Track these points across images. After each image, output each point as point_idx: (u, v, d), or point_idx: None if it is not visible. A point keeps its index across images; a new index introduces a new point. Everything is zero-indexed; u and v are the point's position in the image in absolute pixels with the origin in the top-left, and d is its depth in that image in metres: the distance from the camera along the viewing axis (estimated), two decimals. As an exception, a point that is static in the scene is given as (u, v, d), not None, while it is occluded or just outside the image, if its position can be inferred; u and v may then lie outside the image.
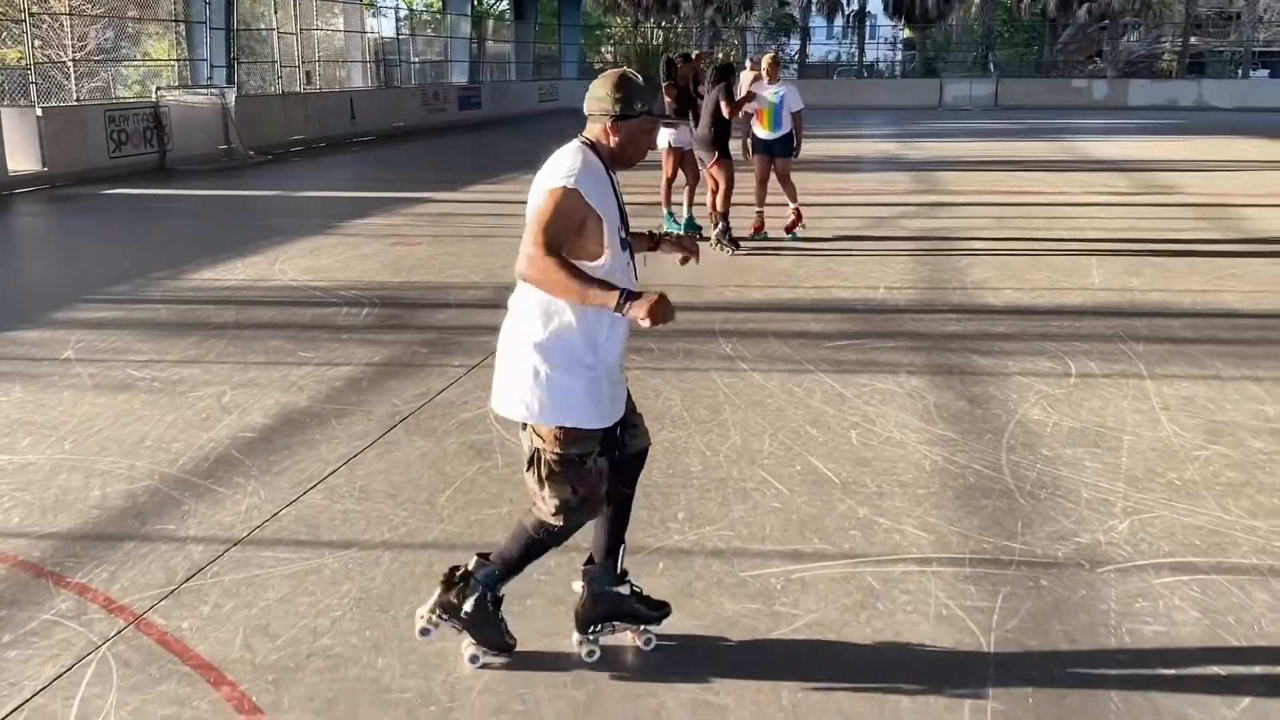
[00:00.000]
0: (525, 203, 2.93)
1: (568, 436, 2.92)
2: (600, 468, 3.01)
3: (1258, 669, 3.19)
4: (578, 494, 2.99)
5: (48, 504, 4.23)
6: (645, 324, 2.74)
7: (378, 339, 6.69)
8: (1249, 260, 9.15)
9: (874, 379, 5.86)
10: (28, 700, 2.96)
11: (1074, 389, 5.72)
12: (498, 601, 3.12)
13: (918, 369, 6.11)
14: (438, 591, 3.13)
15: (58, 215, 12.58)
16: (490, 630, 3.11)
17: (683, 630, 3.33)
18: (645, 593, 3.28)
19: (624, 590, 3.22)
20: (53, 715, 2.91)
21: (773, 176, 9.71)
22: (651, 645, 3.26)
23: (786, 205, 9.89)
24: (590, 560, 3.27)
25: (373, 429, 5.10)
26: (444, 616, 3.11)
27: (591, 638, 3.23)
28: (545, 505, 3.01)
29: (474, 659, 3.14)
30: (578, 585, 3.24)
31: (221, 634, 3.30)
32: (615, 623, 3.25)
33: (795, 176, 9.96)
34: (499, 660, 3.12)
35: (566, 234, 2.80)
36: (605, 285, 2.78)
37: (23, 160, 13.83)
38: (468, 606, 3.07)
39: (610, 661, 3.22)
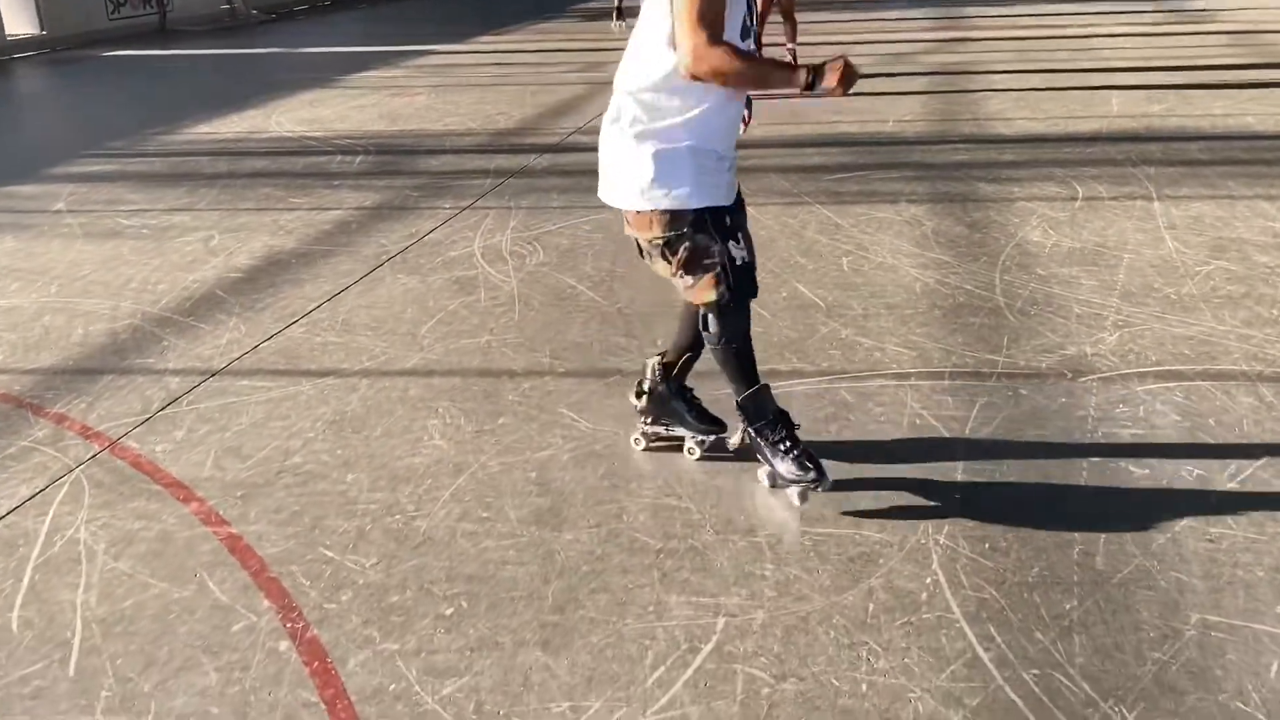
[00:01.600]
0: (528, 51, 2.86)
1: (664, 218, 2.82)
2: (703, 246, 2.87)
3: (1233, 466, 3.17)
4: (730, 272, 2.87)
5: (31, 342, 4.29)
6: (838, 93, 2.70)
7: (370, 184, 6.65)
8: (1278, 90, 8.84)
9: (872, 208, 5.77)
10: (1, 518, 3.04)
11: (1078, 211, 5.61)
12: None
13: (919, 197, 6.00)
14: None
15: (56, 78, 12.49)
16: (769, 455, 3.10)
17: (644, 446, 3.34)
18: (701, 405, 3.35)
19: (673, 396, 3.30)
20: (25, 530, 2.99)
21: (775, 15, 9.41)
22: (695, 455, 3.31)
23: (783, 45, 9.62)
24: (664, 353, 3.33)
25: (359, 268, 5.10)
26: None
27: (643, 431, 3.34)
28: (702, 291, 2.91)
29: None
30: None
31: (193, 456, 3.37)
32: (665, 423, 3.33)
33: (807, 14, 9.64)
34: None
35: (720, 12, 2.60)
36: (784, 64, 2.73)
37: (20, 24, 13.69)
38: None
39: (578, 469, 3.25)
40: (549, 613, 2.65)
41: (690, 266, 2.87)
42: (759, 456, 3.10)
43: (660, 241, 2.86)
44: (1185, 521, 2.94)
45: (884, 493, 3.10)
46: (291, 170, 7.06)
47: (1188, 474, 3.18)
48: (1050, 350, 4.01)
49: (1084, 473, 3.20)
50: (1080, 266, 4.83)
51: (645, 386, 3.32)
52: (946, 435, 3.43)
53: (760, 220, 5.62)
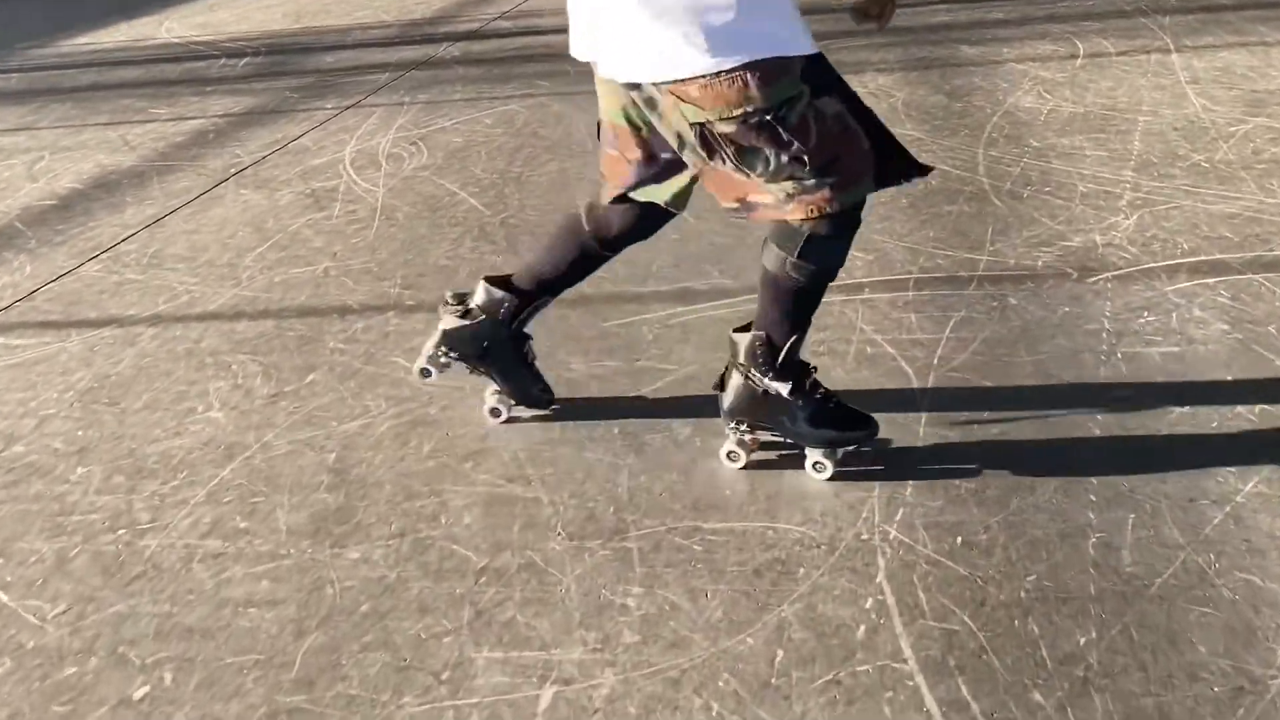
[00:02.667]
0: None
1: (761, 77, 1.78)
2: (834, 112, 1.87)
3: (1309, 396, 2.17)
4: (821, 158, 1.85)
5: None
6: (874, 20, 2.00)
7: (248, 88, 5.58)
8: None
9: (831, 80, 4.67)
10: None
11: (1080, 71, 4.51)
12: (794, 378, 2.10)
13: (889, 65, 4.91)
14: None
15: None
16: (784, 412, 2.12)
17: (743, 463, 2.36)
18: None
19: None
20: None
21: None
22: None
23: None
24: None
25: (199, 185, 4.08)
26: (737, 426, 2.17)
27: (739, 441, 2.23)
28: (774, 202, 1.91)
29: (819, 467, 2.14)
30: None
31: (-127, 451, 2.39)
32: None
33: None
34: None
35: None
36: None
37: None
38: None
39: (396, 445, 2.28)
40: (289, 691, 1.70)
41: (821, 150, 1.83)
42: (778, 433, 2.13)
43: (757, 117, 1.80)
44: (1251, 487, 1.96)
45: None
46: (163, 78, 5.99)
47: (1247, 412, 2.17)
48: (1049, 242, 2.98)
49: (1098, 417, 2.21)
50: (1085, 135, 3.77)
51: (730, 379, 2.17)
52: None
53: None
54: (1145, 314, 2.59)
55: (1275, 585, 1.75)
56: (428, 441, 2.31)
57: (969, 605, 1.76)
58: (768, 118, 1.80)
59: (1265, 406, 2.21)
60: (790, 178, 1.83)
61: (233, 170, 4.22)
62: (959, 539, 1.91)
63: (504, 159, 4.08)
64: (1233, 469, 2.03)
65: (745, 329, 2.07)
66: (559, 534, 1.99)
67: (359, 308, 2.95)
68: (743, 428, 2.11)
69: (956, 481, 2.06)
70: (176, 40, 7.09)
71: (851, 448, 2.10)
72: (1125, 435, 2.15)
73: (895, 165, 1.93)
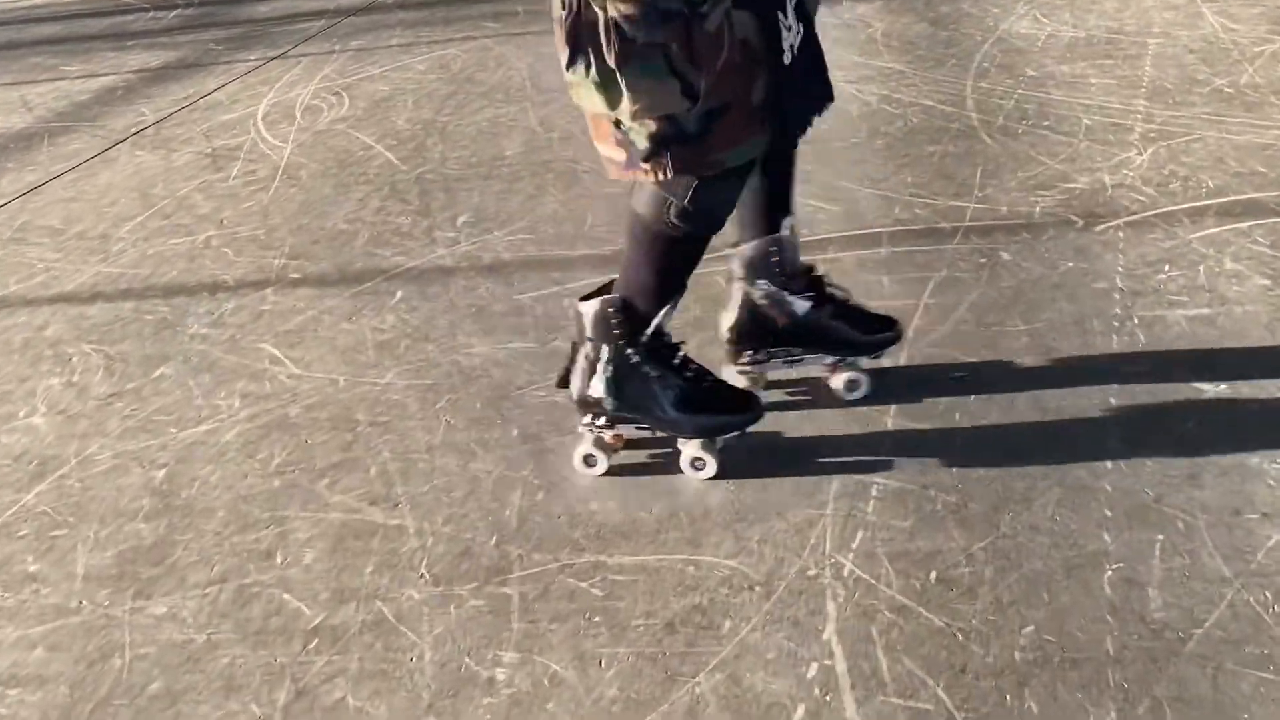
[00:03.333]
0: None
1: None
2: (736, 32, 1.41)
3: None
4: (702, 90, 1.41)
5: None
6: None
7: (170, 41, 5.06)
8: None
9: (803, 11, 4.13)
10: None
11: (1081, -10, 3.96)
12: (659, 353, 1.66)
13: (868, -6, 4.36)
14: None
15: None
16: (650, 397, 1.66)
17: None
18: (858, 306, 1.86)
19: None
20: None
21: None
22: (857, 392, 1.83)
23: None
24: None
25: (92, 147, 3.58)
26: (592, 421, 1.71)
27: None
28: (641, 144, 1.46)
29: (697, 464, 1.70)
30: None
31: None
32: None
33: None
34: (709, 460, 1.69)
35: None
36: None
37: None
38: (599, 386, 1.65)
39: (241, 459, 1.80)
40: (26, 816, 1.23)
41: (717, 88, 1.40)
42: (644, 424, 1.69)
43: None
44: (1316, 498, 1.47)
45: (755, 465, 1.63)
46: (82, 33, 5.46)
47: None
48: (1048, 185, 2.48)
49: (1111, 401, 1.72)
50: (1088, 61, 3.25)
51: (733, 318, 1.84)
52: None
53: (649, 38, 4.02)
54: (1166, 268, 2.10)
55: (1357, 636, 1.27)
56: (280, 451, 1.83)
57: (945, 672, 1.29)
58: (684, 7, 1.31)
59: (1322, 385, 1.72)
60: (667, 116, 1.34)
61: (133, 130, 3.72)
62: (933, 574, 1.44)
63: (432, 107, 3.57)
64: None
65: (595, 295, 1.58)
66: (422, 576, 1.52)
67: (234, 284, 2.47)
68: (599, 422, 1.62)
69: (932, 492, 1.58)
70: (109, -6, 6.54)
71: (735, 435, 1.65)
72: (1145, 425, 1.67)
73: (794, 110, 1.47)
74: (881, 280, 2.17)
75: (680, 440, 1.65)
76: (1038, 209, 2.39)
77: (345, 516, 1.66)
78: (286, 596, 1.52)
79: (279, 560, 1.59)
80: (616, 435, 1.67)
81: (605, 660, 1.36)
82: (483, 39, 4.30)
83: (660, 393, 1.59)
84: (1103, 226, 2.29)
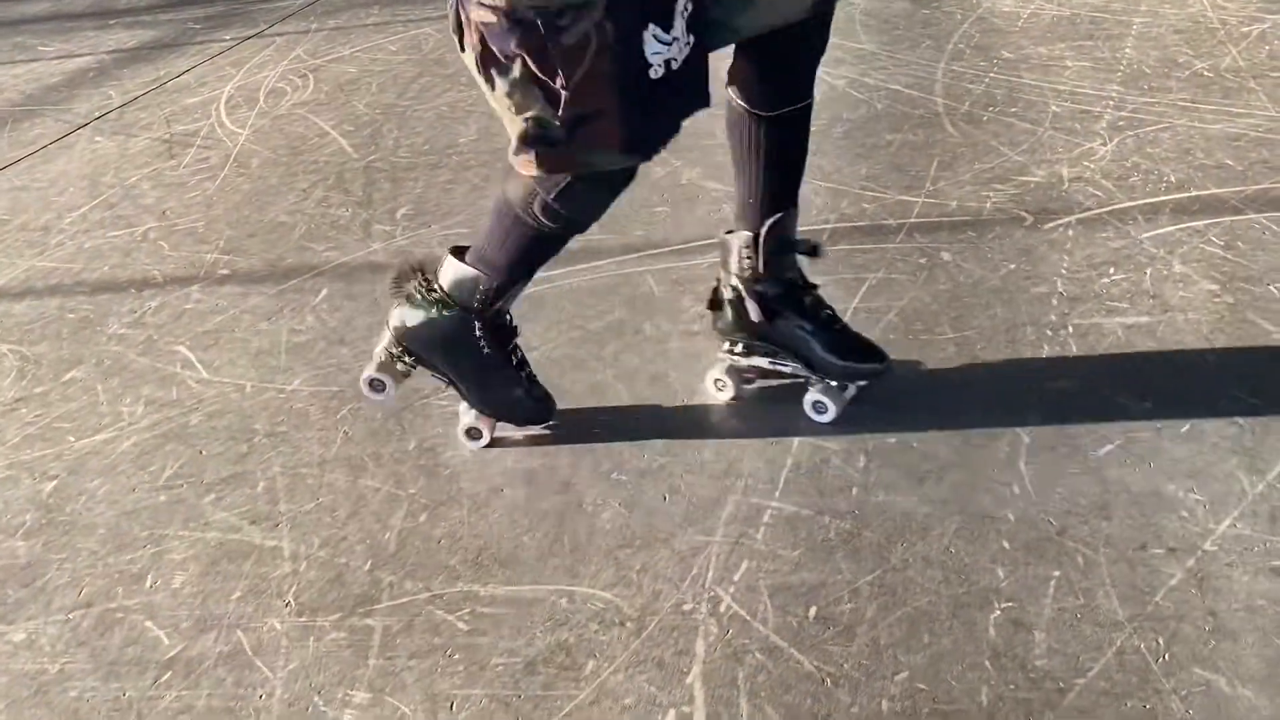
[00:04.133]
0: None
1: None
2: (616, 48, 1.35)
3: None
4: (576, 107, 1.37)
5: None
6: None
7: (151, 20, 5.00)
8: None
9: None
10: None
11: (1071, -34, 3.80)
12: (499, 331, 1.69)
13: (853, -32, 4.21)
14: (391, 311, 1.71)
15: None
16: (498, 383, 1.70)
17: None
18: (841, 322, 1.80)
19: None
20: None
21: None
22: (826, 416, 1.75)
23: None
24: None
25: (52, 132, 3.54)
26: (407, 358, 1.72)
27: (729, 368, 1.84)
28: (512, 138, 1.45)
29: (473, 433, 1.76)
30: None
31: None
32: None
33: None
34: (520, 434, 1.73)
35: None
36: None
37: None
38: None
39: (128, 473, 1.75)
40: None
41: (578, 97, 1.36)
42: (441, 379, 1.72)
43: (526, 13, 1.33)
44: (1226, 526, 1.38)
45: (651, 485, 1.55)
46: (70, 11, 5.41)
47: (1231, 408, 1.59)
48: (1004, 178, 2.37)
49: (1031, 418, 1.62)
50: (1068, 42, 3.12)
51: (722, 293, 1.77)
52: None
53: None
54: (1111, 271, 1.99)
55: (1248, 691, 1.18)
56: (173, 464, 1.77)
57: (806, 723, 1.21)
58: (538, 21, 1.23)
59: (1255, 399, 1.61)
60: (534, 118, 1.27)
61: (96, 114, 3.67)
62: (813, 610, 1.36)
63: (395, 91, 3.49)
64: (1202, 497, 1.45)
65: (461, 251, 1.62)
66: (288, 605, 1.46)
67: (162, 280, 2.41)
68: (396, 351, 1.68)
69: (826, 519, 1.49)
70: (101, -29, 6.49)
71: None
72: (1062, 447, 1.57)
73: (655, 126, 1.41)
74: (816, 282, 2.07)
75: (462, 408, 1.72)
76: (988, 205, 2.28)
77: (223, 536, 1.60)
78: (149, 624, 1.47)
79: (149, 584, 1.54)
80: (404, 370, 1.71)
81: (457, 703, 1.30)
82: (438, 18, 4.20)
83: (484, 373, 1.64)
84: (1052, 224, 2.18)
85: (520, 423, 1.73)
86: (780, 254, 1.65)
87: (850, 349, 1.70)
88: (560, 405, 1.73)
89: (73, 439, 1.88)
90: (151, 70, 4.11)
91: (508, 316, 1.69)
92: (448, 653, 1.37)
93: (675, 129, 1.42)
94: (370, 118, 3.28)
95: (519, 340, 1.72)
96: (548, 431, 1.72)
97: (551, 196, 1.43)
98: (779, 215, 1.63)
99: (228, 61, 4.06)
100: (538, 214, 1.46)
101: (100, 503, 1.71)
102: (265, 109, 3.47)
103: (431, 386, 1.90)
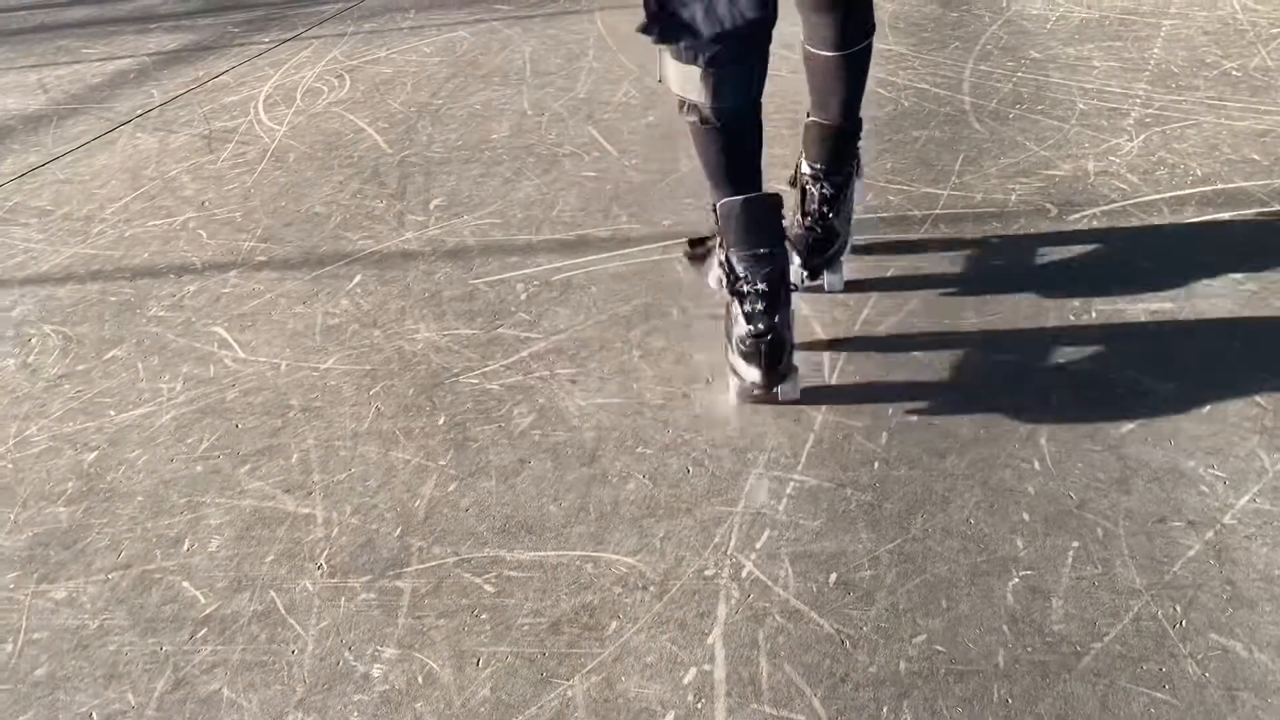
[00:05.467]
0: None
1: None
2: None
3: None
4: None
5: None
6: None
7: (191, 24, 5.10)
8: None
9: (814, -8, 4.03)
10: None
11: (1101, -30, 3.82)
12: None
13: (884, -26, 4.24)
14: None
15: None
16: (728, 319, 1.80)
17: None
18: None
19: None
20: None
21: None
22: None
23: None
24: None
25: (94, 129, 3.61)
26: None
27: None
28: None
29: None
30: None
31: None
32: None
33: None
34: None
35: None
36: None
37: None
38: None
39: (166, 445, 1.80)
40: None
41: None
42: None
43: None
44: (1245, 502, 1.40)
45: (675, 459, 1.58)
46: (111, 17, 5.52)
47: (1253, 391, 1.60)
48: (1029, 171, 2.39)
49: (1051, 401, 1.65)
50: (1096, 43, 3.13)
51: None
52: (819, 333, 1.88)
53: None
54: (1136, 259, 2.01)
55: (1264, 657, 1.19)
56: (210, 436, 1.82)
57: (824, 681, 1.23)
58: None
59: (1276, 385, 1.62)
60: None
61: (138, 112, 3.75)
62: (833, 576, 1.38)
63: (429, 90, 3.55)
64: (1222, 473, 1.47)
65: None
66: (320, 568, 1.50)
67: (201, 266, 2.47)
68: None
69: (848, 492, 1.51)
70: (142, -23, 6.63)
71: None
72: (1084, 425, 1.59)
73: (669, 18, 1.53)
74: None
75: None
76: (1013, 196, 2.30)
77: (258, 504, 1.64)
78: (185, 584, 1.51)
79: (184, 548, 1.58)
80: None
81: (484, 659, 1.33)
82: (492, 21, 4.27)
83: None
84: (1077, 214, 2.19)
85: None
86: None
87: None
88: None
89: (113, 413, 1.93)
90: (191, 71, 4.20)
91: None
92: (475, 613, 1.40)
93: (688, 33, 1.50)
94: (405, 115, 3.33)
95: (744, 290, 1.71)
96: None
97: (659, 74, 1.58)
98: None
99: (266, 63, 4.14)
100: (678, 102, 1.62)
101: (140, 472, 1.76)
102: (302, 107, 3.53)
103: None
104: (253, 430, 1.84)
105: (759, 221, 1.63)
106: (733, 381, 1.71)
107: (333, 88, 3.70)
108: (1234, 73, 2.81)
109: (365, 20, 4.65)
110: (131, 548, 1.60)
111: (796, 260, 1.84)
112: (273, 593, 1.47)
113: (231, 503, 1.66)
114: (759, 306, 1.61)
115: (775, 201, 1.64)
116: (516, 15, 4.33)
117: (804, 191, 1.92)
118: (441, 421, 1.79)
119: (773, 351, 1.61)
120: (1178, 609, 1.28)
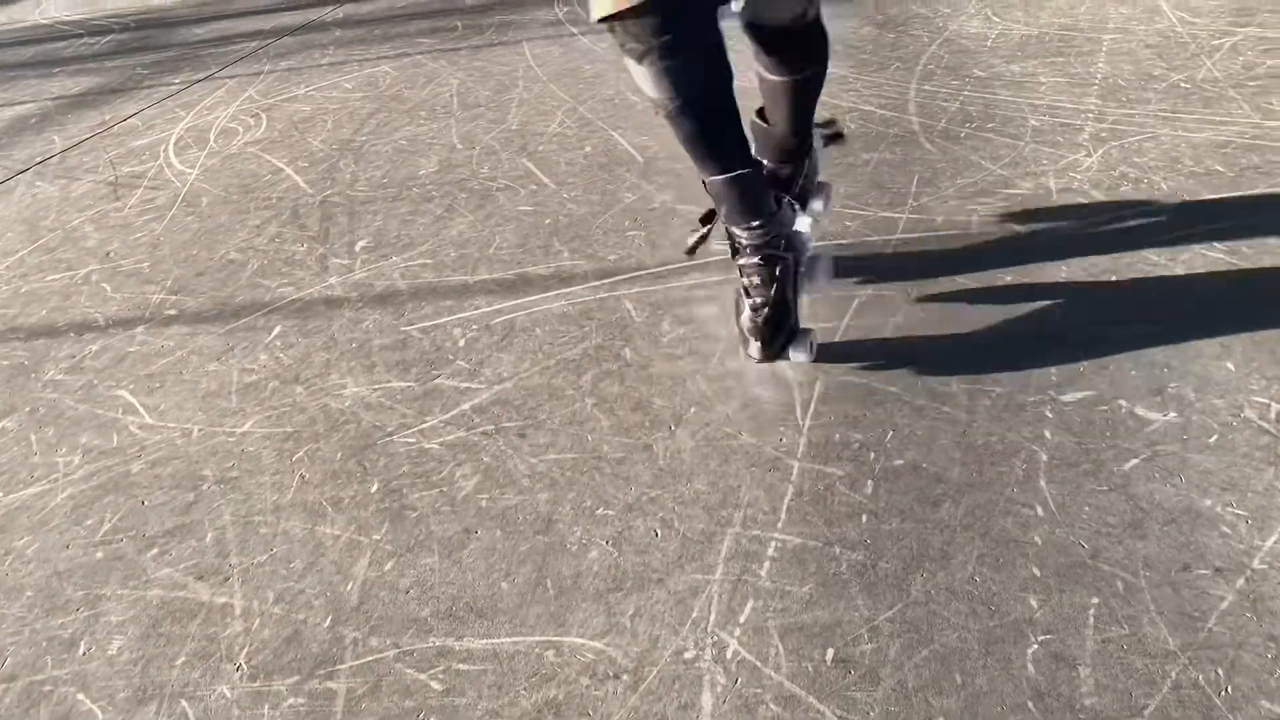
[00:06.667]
0: None
1: None
2: None
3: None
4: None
5: None
6: None
7: (98, 67, 4.84)
8: None
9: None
10: None
11: (1034, -12, 3.76)
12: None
13: (816, -2, 4.12)
14: None
15: None
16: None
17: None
18: None
19: None
20: None
21: None
22: None
23: None
24: None
25: (-10, 179, 3.34)
26: None
27: None
28: None
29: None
30: None
31: None
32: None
33: None
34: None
35: None
36: None
37: None
38: None
39: (68, 527, 1.56)
40: None
41: None
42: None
43: None
44: (1274, 542, 1.24)
45: (639, 519, 1.40)
46: (13, 61, 5.25)
47: (1259, 416, 1.46)
48: (989, 191, 2.26)
49: (1045, 434, 1.49)
50: (1039, 59, 3.04)
51: None
52: (788, 376, 1.71)
53: (593, 53, 3.82)
54: (1112, 279, 1.87)
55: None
56: (112, 516, 1.59)
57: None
58: None
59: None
60: None
61: (38, 159, 3.49)
62: (830, 652, 1.20)
63: (352, 126, 3.35)
64: (1242, 511, 1.32)
65: None
66: (239, 669, 1.28)
67: (105, 323, 2.23)
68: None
69: (837, 550, 1.34)
70: (45, 22, 6.35)
71: None
72: (1083, 464, 1.43)
73: None
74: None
75: None
76: (974, 218, 2.16)
77: (166, 594, 1.42)
78: (81, 696, 1.28)
79: (82, 651, 1.35)
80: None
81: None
82: (416, 55, 4.09)
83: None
84: (1045, 235, 2.06)
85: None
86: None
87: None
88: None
89: (1, 494, 1.70)
90: (96, 115, 3.96)
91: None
92: (420, 716, 1.19)
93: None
94: (326, 153, 3.13)
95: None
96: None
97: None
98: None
99: (176, 104, 3.91)
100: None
101: (29, 563, 1.52)
102: (216, 148, 3.31)
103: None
104: (161, 507, 1.61)
105: (745, 197, 1.62)
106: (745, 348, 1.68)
107: (248, 127, 3.48)
108: (1183, 85, 2.72)
109: (282, 58, 4.44)
110: (17, 654, 1.37)
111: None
112: (184, 702, 1.25)
113: (136, 594, 1.44)
114: (755, 280, 1.66)
115: (755, 177, 1.61)
116: (441, 48, 4.16)
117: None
118: (374, 489, 1.59)
119: (770, 325, 1.65)
120: (1220, 673, 1.12)
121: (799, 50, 1.76)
